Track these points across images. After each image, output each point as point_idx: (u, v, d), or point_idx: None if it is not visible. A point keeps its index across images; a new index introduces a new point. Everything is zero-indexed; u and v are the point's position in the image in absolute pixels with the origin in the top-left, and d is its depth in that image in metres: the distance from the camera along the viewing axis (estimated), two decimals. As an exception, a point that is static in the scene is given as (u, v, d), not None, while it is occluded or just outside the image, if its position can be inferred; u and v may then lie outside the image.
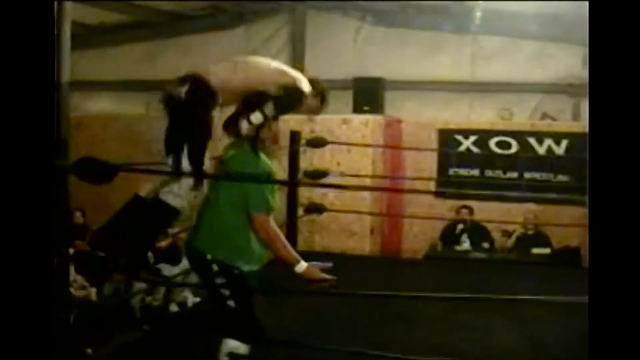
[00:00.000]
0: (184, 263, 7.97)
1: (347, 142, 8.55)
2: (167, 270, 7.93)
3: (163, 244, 8.16)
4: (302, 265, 3.86)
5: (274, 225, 3.96)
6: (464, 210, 9.27)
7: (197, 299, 7.92)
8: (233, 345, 4.14)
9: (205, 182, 4.03)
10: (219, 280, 3.91)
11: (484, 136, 9.57)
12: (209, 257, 3.91)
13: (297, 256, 3.91)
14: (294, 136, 7.90)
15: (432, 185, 9.80)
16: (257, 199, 3.92)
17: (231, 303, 3.92)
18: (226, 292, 3.91)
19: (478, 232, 9.24)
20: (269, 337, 3.96)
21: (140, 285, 6.59)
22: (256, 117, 3.96)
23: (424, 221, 9.48)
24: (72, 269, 4.74)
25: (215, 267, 3.89)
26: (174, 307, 8.16)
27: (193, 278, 8.24)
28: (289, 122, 8.78)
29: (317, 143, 7.85)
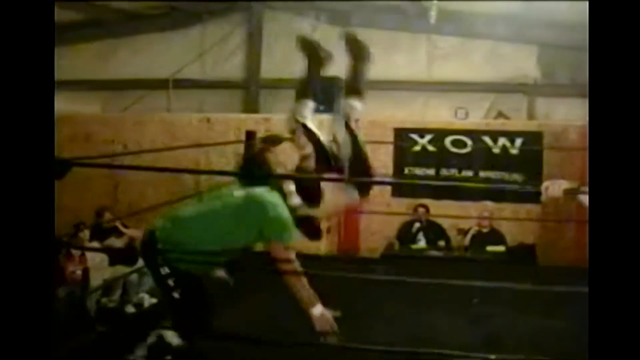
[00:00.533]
0: (140, 262, 7.94)
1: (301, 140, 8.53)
2: (121, 271, 7.85)
3: (119, 244, 8.10)
4: (318, 309, 3.84)
5: (297, 262, 3.95)
6: (421, 209, 9.33)
7: (154, 300, 7.87)
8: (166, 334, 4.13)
9: None
10: (165, 271, 3.88)
11: (439, 135, 9.63)
12: (159, 246, 3.89)
13: (316, 297, 3.87)
14: (250, 135, 7.93)
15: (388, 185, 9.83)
16: (281, 227, 3.98)
17: (176, 294, 3.89)
18: (171, 283, 3.89)
19: (434, 230, 9.30)
20: (211, 332, 3.93)
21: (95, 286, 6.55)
22: None
23: (381, 220, 9.52)
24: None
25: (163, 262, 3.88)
26: (130, 308, 8.10)
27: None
28: (246, 121, 8.87)
29: (273, 141, 7.83)
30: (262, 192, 4.04)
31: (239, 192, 4.10)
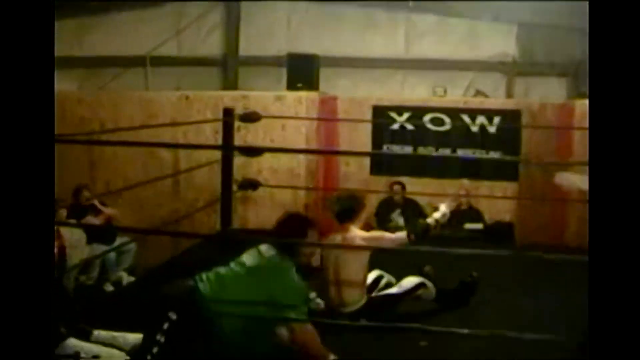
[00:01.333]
0: (118, 240, 7.92)
1: (281, 116, 8.54)
2: (99, 249, 7.80)
3: (97, 221, 8.06)
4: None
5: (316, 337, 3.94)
6: (397, 187, 9.34)
7: (132, 278, 7.87)
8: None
9: None
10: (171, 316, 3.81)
11: (417, 113, 9.64)
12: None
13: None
14: (228, 112, 7.89)
15: (367, 162, 9.84)
16: (299, 310, 3.89)
17: (161, 338, 3.82)
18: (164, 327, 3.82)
19: (411, 208, 9.33)
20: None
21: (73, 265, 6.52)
22: None
23: (359, 198, 9.51)
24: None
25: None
26: (108, 287, 8.08)
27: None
28: (224, 98, 8.82)
29: (251, 118, 7.84)
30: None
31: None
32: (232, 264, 4.07)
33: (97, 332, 4.38)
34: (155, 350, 3.75)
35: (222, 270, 4.06)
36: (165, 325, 3.77)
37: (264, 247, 4.08)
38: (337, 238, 5.24)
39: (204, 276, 4.01)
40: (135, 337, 4.19)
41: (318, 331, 4.00)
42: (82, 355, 4.12)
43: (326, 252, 5.20)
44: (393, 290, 5.27)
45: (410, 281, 5.31)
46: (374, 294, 5.22)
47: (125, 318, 4.50)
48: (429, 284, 5.38)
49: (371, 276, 5.39)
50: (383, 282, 5.43)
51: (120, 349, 4.21)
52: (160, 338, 3.77)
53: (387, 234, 5.35)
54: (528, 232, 9.31)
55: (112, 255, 8.01)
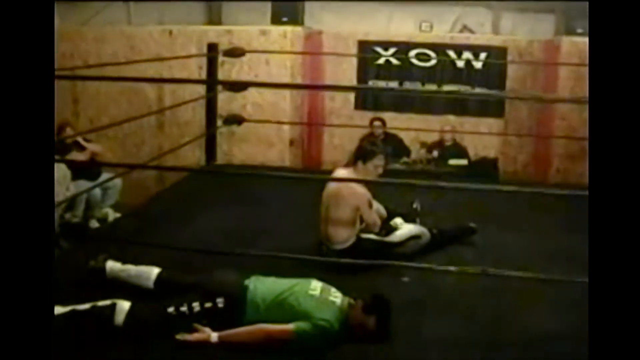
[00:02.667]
0: (103, 177, 7.90)
1: (265, 51, 8.49)
2: (84, 186, 7.78)
3: (82, 158, 8.03)
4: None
5: None
6: (377, 122, 9.27)
7: (118, 215, 7.87)
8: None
9: None
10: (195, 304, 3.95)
11: (403, 48, 9.58)
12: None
13: None
14: (212, 48, 7.86)
15: (352, 97, 9.82)
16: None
17: (171, 310, 3.94)
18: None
19: (393, 144, 9.33)
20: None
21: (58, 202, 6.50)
22: None
23: (344, 133, 9.54)
24: None
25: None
26: (94, 224, 8.09)
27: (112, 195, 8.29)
28: (208, 33, 8.74)
29: (235, 53, 7.80)
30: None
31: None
32: (295, 285, 4.12)
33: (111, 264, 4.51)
34: (186, 311, 3.92)
35: (278, 283, 4.15)
36: (209, 305, 3.94)
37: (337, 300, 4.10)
38: (340, 172, 5.25)
39: (259, 279, 4.15)
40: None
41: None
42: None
43: (326, 187, 5.22)
44: (386, 237, 5.29)
45: (406, 232, 5.34)
46: (363, 236, 5.22)
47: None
48: (425, 235, 5.41)
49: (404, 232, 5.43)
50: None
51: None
52: (198, 308, 3.94)
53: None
54: (512, 168, 9.37)
55: (97, 191, 8.00)
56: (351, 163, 5.25)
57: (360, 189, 5.09)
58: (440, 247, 5.48)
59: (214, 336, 3.78)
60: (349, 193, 5.06)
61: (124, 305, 3.92)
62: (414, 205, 5.98)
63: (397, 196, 6.08)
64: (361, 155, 5.20)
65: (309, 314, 3.87)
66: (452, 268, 4.65)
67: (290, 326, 3.80)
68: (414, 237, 5.34)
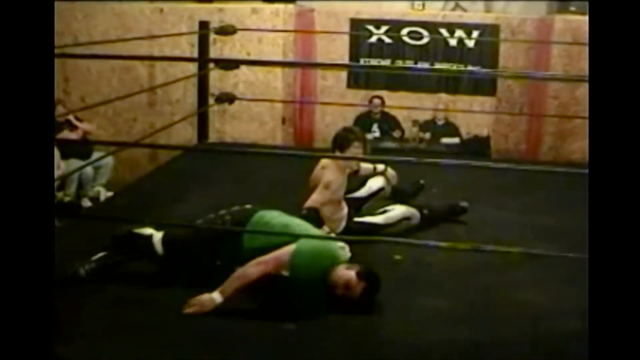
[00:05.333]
0: (95, 155, 7.89)
1: (257, 29, 8.47)
2: (75, 164, 7.77)
3: (73, 136, 8.02)
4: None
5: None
6: (376, 100, 9.33)
7: (110, 194, 7.87)
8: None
9: None
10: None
11: (395, 26, 9.55)
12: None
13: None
14: (203, 25, 7.83)
15: (344, 76, 9.80)
16: None
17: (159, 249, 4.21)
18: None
19: (388, 122, 9.35)
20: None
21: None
22: None
23: (336, 111, 9.53)
24: None
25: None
26: (86, 202, 8.09)
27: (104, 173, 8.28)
28: (199, 11, 8.71)
29: (227, 31, 7.78)
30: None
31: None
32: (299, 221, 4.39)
33: None
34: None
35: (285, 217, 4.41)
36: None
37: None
38: (323, 161, 5.20)
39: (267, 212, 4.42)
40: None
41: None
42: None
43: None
44: (376, 219, 5.28)
45: (396, 214, 5.34)
46: (354, 220, 5.23)
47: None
48: (415, 216, 5.42)
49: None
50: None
51: None
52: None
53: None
54: (504, 146, 9.38)
55: (89, 170, 8.00)
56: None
57: (329, 173, 5.07)
58: (434, 224, 5.51)
59: (216, 296, 3.87)
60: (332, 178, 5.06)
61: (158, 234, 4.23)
62: (421, 182, 5.98)
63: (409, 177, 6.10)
64: (337, 144, 5.17)
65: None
66: (443, 244, 4.67)
67: (290, 247, 4.03)
68: (406, 219, 5.36)
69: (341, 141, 5.13)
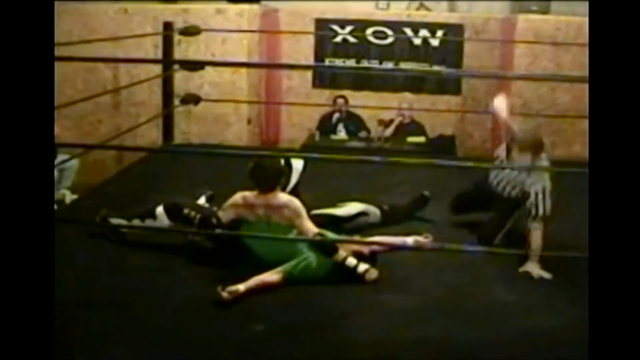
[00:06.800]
0: (59, 158, 7.81)
1: (222, 30, 8.44)
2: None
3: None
4: None
5: None
6: (340, 100, 9.36)
7: (75, 196, 7.79)
8: None
9: None
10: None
11: (360, 26, 9.58)
12: None
13: None
14: (167, 26, 7.80)
15: (309, 76, 9.81)
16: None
17: None
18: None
19: (353, 121, 9.38)
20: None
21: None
22: None
23: (302, 111, 9.55)
24: None
25: None
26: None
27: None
28: (164, 12, 8.65)
29: (191, 32, 7.76)
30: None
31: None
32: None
33: None
34: None
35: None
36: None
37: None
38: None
39: None
40: None
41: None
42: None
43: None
44: (334, 211, 5.28)
45: (353, 208, 5.37)
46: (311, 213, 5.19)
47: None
48: (373, 212, 5.46)
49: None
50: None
51: None
52: None
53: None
54: (470, 145, 9.45)
55: (54, 173, 7.91)
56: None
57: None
58: (396, 223, 5.54)
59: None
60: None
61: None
62: (425, 193, 5.93)
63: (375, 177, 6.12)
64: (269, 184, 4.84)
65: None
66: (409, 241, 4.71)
67: (278, 274, 4.33)
68: (363, 214, 5.38)
69: (278, 174, 4.83)
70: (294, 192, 5.09)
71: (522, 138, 4.98)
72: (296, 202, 4.60)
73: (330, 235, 4.69)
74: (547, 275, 4.58)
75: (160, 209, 4.84)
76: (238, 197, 4.67)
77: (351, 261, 4.43)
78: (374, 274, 4.43)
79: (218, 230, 4.62)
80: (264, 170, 4.60)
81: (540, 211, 4.75)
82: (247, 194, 4.64)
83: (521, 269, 4.63)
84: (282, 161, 4.92)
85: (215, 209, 4.86)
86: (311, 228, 4.51)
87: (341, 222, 5.20)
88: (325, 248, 4.47)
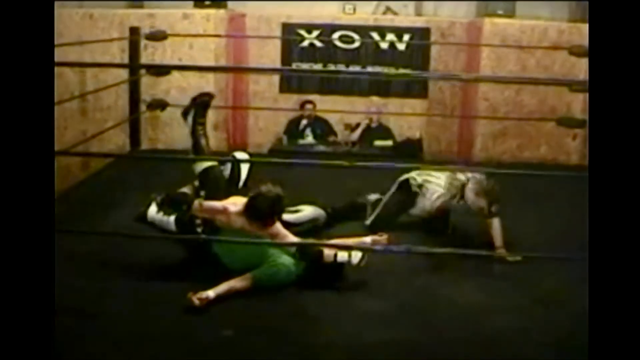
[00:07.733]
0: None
1: (188, 34, 8.42)
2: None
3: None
4: None
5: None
6: (308, 105, 9.37)
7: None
8: None
9: None
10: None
11: (327, 30, 9.60)
12: None
13: None
14: (133, 31, 7.76)
15: (276, 80, 9.81)
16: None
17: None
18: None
19: (321, 125, 9.39)
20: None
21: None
22: None
23: (269, 116, 9.55)
24: None
25: None
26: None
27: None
28: (130, 16, 8.61)
29: (157, 36, 7.72)
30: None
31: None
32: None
33: None
34: None
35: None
36: None
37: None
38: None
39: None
40: None
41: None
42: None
43: None
44: (287, 217, 5.25)
45: (306, 215, 5.45)
46: None
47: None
48: (322, 215, 5.57)
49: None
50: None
51: None
52: None
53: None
54: (437, 148, 9.50)
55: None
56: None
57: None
58: (338, 223, 5.66)
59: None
60: None
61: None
62: (369, 198, 5.96)
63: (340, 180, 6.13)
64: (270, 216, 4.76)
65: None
66: (378, 247, 4.72)
67: (247, 280, 4.36)
68: (314, 219, 5.50)
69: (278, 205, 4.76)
70: (244, 188, 5.17)
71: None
72: (286, 234, 4.66)
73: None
74: (518, 257, 4.77)
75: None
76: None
77: (343, 255, 4.46)
78: (365, 258, 4.48)
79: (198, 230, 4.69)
80: (259, 207, 4.54)
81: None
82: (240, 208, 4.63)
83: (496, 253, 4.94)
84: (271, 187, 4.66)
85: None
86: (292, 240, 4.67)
87: (291, 227, 5.18)
88: (311, 255, 4.51)
